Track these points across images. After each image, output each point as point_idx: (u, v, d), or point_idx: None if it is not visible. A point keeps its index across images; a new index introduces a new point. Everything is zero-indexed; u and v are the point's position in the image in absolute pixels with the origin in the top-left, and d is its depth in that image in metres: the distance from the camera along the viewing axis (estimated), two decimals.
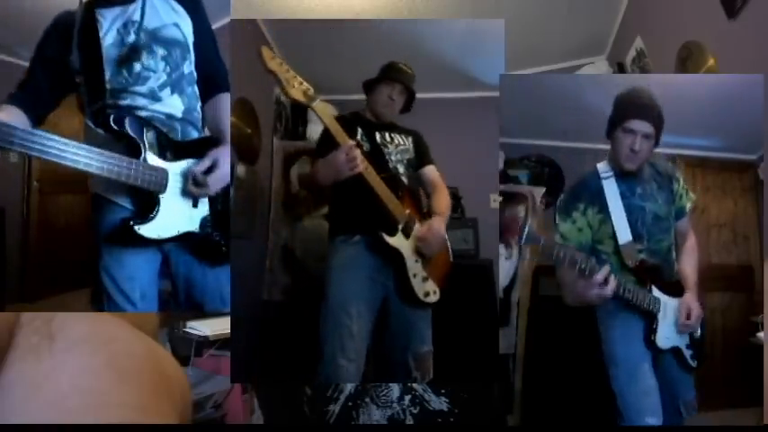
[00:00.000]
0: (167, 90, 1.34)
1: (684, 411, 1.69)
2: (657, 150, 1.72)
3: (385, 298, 1.78)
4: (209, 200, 1.38)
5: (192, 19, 1.39)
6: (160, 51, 1.33)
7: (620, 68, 3.25)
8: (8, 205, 3.52)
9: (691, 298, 1.68)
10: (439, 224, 1.82)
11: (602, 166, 1.67)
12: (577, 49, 3.59)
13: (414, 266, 1.77)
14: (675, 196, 1.73)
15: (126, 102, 1.31)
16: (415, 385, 0.95)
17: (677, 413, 1.69)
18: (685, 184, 1.78)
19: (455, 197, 3.49)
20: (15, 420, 0.34)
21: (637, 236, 1.62)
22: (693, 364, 1.71)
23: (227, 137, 1.39)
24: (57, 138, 1.15)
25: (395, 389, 0.94)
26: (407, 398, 0.92)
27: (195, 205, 1.34)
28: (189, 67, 1.39)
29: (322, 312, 1.71)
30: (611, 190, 1.62)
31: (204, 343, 2.38)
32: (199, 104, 1.42)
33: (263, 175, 3.24)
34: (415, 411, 0.91)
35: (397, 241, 1.75)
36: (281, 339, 3.17)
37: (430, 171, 2.03)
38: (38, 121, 1.35)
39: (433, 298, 1.81)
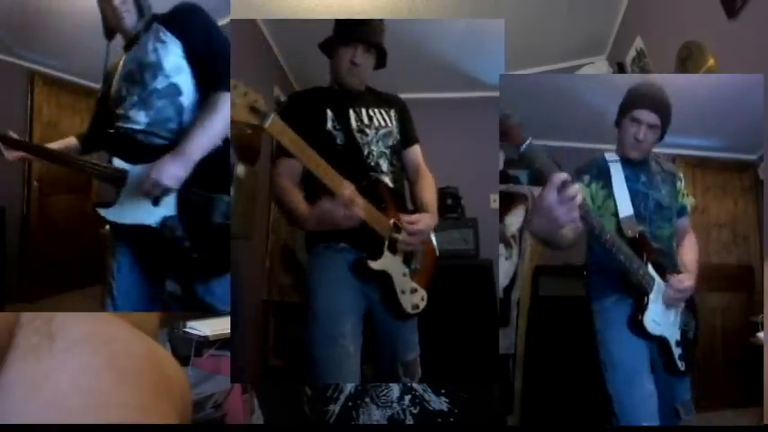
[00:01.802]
0: (134, 109, 1.49)
1: (683, 412, 1.66)
2: (658, 150, 1.76)
3: (368, 310, 1.61)
4: (179, 200, 1.47)
5: (182, 42, 1.49)
6: (136, 77, 1.50)
7: (620, 68, 3.25)
8: (8, 205, 3.52)
9: (687, 276, 1.64)
10: (426, 222, 1.59)
11: (608, 154, 1.70)
12: (577, 49, 3.59)
13: (402, 282, 1.57)
14: (678, 194, 1.76)
15: (110, 121, 1.54)
16: (415, 385, 0.95)
17: (675, 415, 1.66)
18: (686, 187, 1.82)
19: (455, 197, 3.50)
20: (15, 420, 0.34)
21: (639, 218, 1.61)
22: (681, 366, 1.61)
23: (193, 135, 1.44)
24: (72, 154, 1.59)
25: (395, 389, 0.94)
26: (407, 398, 0.92)
27: (155, 203, 1.45)
28: (162, 82, 1.48)
29: (310, 330, 1.51)
30: (617, 171, 1.63)
31: (204, 343, 2.38)
32: (178, 114, 1.50)
33: (263, 175, 3.24)
34: (415, 411, 0.91)
35: (384, 263, 1.53)
36: (281, 339, 3.17)
37: (414, 153, 1.75)
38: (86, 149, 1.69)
39: (422, 306, 1.65)
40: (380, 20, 1.67)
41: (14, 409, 0.35)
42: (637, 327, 1.55)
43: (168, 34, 1.49)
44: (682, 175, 1.82)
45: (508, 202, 2.94)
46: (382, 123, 1.65)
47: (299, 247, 3.42)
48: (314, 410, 0.93)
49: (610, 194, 1.61)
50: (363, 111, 1.63)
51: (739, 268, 3.50)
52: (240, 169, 2.85)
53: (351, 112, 1.61)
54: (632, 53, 3.09)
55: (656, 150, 1.77)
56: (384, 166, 1.61)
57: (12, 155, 1.52)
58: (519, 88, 2.82)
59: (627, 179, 1.64)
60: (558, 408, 2.67)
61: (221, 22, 3.24)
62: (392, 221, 1.54)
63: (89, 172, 1.50)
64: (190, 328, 2.40)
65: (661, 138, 1.68)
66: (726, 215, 3.56)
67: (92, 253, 4.00)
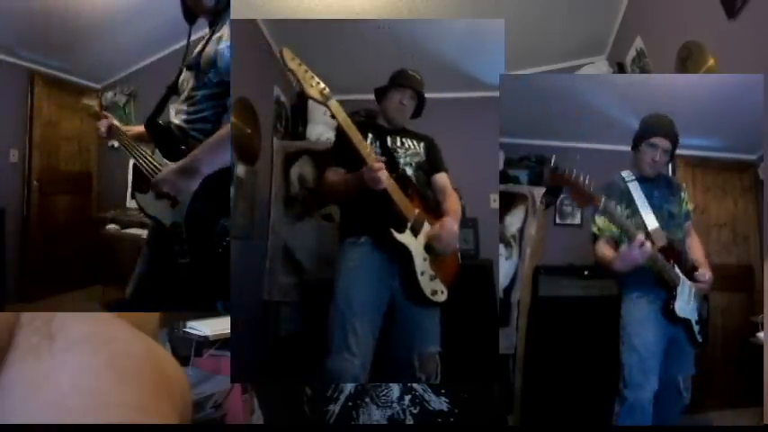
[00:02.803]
0: (183, 103, 1.47)
1: (682, 385, 2.00)
2: None
3: (392, 298, 1.81)
4: (189, 210, 1.41)
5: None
6: (192, 70, 1.45)
7: (620, 68, 3.25)
8: (8, 205, 3.52)
9: (705, 270, 2.04)
10: (452, 223, 1.86)
11: (625, 173, 2.03)
12: (577, 49, 3.59)
13: (421, 264, 1.79)
14: (683, 202, 2.11)
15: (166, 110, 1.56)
16: (415, 385, 0.95)
17: (677, 391, 1.99)
18: (686, 196, 2.17)
19: None
20: (15, 420, 0.34)
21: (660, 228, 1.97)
22: (700, 339, 2.01)
23: (206, 147, 1.38)
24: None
25: (395, 389, 0.94)
26: (407, 398, 0.92)
27: (173, 206, 1.40)
28: (214, 78, 1.41)
29: (330, 311, 1.75)
30: (636, 190, 1.98)
31: (204, 343, 2.38)
32: (216, 115, 1.44)
33: (263, 175, 3.24)
34: (415, 411, 0.91)
35: (406, 238, 1.78)
36: (281, 339, 3.17)
37: (441, 178, 2.06)
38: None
39: (441, 297, 1.83)
40: (421, 77, 2.10)
41: (15, 408, 0.35)
42: (669, 314, 1.93)
43: (230, 21, 1.43)
44: (684, 187, 2.18)
45: (508, 202, 2.94)
46: (411, 147, 2.03)
47: (298, 248, 3.42)
48: (314, 410, 0.93)
49: (635, 212, 1.94)
50: (398, 138, 2.02)
51: (739, 268, 3.50)
52: (240, 169, 2.85)
53: (388, 137, 2.00)
54: (632, 53, 3.09)
55: None
56: (409, 171, 1.95)
57: (101, 125, 1.55)
58: (519, 88, 2.82)
59: (645, 196, 1.98)
60: (557, 407, 2.67)
61: None
62: (417, 211, 1.83)
63: (136, 160, 1.47)
64: (190, 328, 2.40)
65: (670, 160, 2.06)
66: (726, 215, 3.56)
67: (92, 253, 4.01)
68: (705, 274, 2.02)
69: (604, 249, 1.95)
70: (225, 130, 1.36)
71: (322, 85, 1.74)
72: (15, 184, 3.74)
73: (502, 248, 2.86)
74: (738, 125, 3.06)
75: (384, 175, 1.71)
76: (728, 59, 2.11)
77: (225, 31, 1.41)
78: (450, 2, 3.05)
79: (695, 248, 2.15)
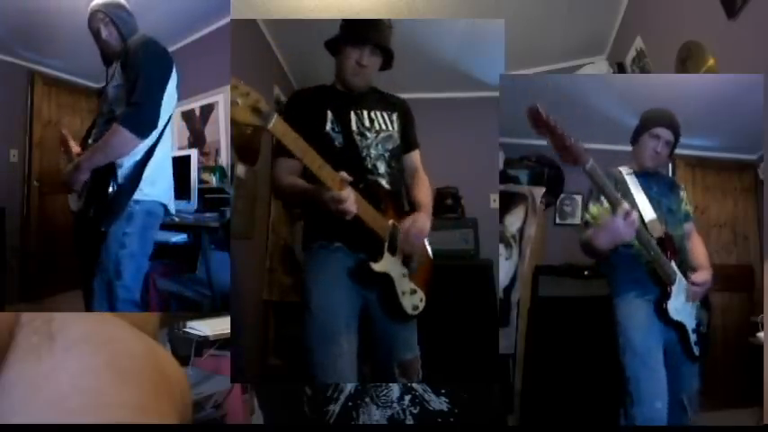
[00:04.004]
0: (95, 128, 1.92)
1: (688, 405, 1.82)
2: None
3: (364, 308, 1.59)
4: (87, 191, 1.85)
5: (124, 74, 1.82)
6: (100, 100, 1.94)
7: (620, 68, 3.25)
8: (8, 205, 3.52)
9: (705, 272, 1.91)
10: (423, 221, 1.59)
11: (623, 168, 1.92)
12: (577, 49, 3.59)
13: (402, 283, 1.58)
14: (682, 202, 2.00)
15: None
16: (414, 385, 0.95)
17: (681, 408, 1.80)
18: (685, 196, 2.05)
19: (455, 197, 3.50)
20: (15, 420, 0.34)
21: (658, 220, 1.83)
22: (696, 351, 1.84)
23: (86, 153, 1.84)
24: None
25: (395, 389, 0.94)
26: (407, 398, 0.92)
27: (79, 196, 1.88)
28: (107, 107, 1.86)
29: (306, 329, 1.52)
30: (633, 182, 1.87)
31: (204, 343, 2.38)
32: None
33: (263, 175, 3.24)
34: (415, 411, 0.91)
35: (384, 264, 1.53)
36: (281, 339, 3.17)
37: (413, 158, 1.74)
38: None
39: (421, 307, 1.64)
40: (388, 21, 1.64)
41: (14, 409, 0.35)
42: (661, 313, 1.76)
43: (118, 67, 1.85)
44: (683, 186, 2.07)
45: (508, 202, 2.94)
46: (383, 127, 1.64)
47: (298, 247, 3.42)
48: (314, 410, 0.93)
49: (632, 203, 1.78)
50: (365, 113, 1.62)
51: (739, 268, 3.50)
52: (240, 169, 2.85)
53: (352, 113, 1.60)
54: (632, 53, 3.09)
55: None
56: (381, 168, 1.59)
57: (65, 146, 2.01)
58: (519, 88, 2.82)
59: (643, 189, 1.87)
60: (557, 407, 2.67)
61: (221, 23, 3.24)
62: (391, 222, 1.54)
63: None
64: (190, 328, 2.40)
65: (670, 155, 1.95)
66: (726, 215, 3.56)
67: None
68: (702, 275, 1.87)
69: (590, 232, 1.72)
70: (101, 141, 1.79)
71: (254, 95, 1.22)
72: (15, 184, 3.75)
73: (502, 248, 2.86)
74: (738, 125, 3.06)
75: (353, 204, 1.37)
76: (728, 59, 2.11)
77: (114, 74, 1.87)
78: (450, 2, 3.05)
79: (698, 253, 2.00)
